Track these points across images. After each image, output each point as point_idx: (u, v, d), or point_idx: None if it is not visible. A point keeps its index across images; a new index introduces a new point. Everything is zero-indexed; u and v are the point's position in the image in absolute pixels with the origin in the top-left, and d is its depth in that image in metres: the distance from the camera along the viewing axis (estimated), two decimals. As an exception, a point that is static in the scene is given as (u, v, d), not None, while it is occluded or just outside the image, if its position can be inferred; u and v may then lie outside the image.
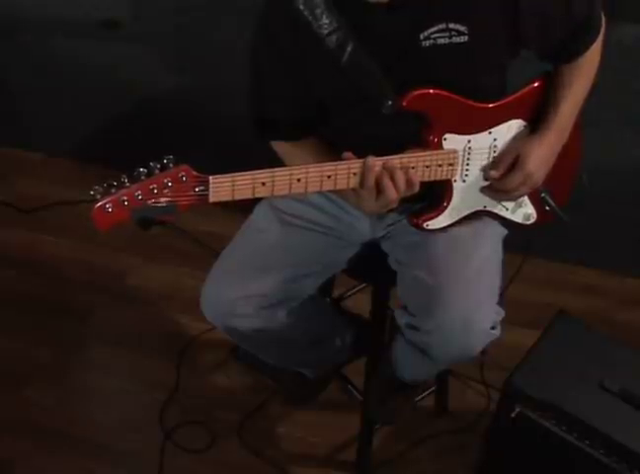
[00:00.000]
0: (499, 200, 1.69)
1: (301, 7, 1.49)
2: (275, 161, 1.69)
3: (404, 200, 1.55)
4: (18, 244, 2.76)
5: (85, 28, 2.74)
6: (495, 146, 1.63)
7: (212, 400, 2.29)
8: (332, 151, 1.62)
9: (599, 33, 1.62)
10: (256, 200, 1.75)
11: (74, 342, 2.46)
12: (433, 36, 1.50)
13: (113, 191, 1.32)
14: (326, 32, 1.49)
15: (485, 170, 1.64)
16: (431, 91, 1.53)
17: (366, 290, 2.01)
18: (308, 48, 1.54)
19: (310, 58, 1.56)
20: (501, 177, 1.62)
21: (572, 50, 1.62)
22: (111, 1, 2.71)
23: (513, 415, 1.77)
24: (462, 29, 1.50)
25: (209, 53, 2.64)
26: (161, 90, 2.82)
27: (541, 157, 1.62)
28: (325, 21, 1.49)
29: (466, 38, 1.51)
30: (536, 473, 1.90)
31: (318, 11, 1.49)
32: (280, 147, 1.71)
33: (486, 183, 1.66)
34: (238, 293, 1.70)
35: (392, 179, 1.50)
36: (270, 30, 1.57)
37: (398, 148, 1.55)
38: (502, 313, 1.65)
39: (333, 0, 1.49)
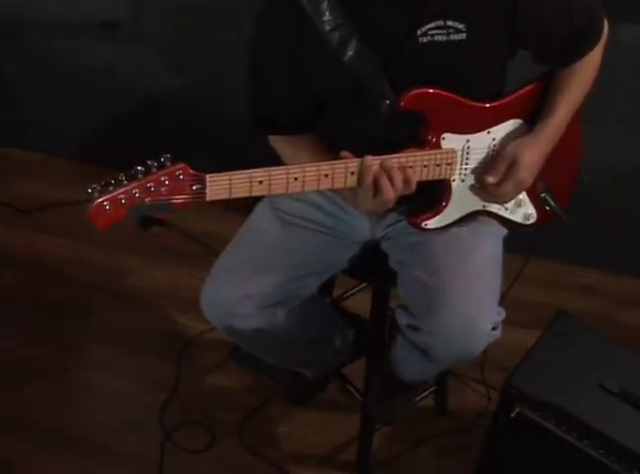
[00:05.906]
0: (490, 202, 1.68)
1: (305, 2, 1.48)
2: (274, 160, 1.69)
3: (402, 200, 1.55)
4: (18, 244, 2.76)
5: (86, 28, 2.74)
6: (494, 146, 1.63)
7: (212, 400, 2.29)
8: (330, 148, 1.62)
9: (598, 39, 1.61)
10: (256, 200, 1.76)
11: (74, 342, 2.46)
12: (430, 32, 1.50)
13: (110, 189, 1.31)
14: (329, 28, 1.49)
15: (480, 176, 1.62)
16: (429, 91, 1.52)
17: (366, 290, 2.01)
18: (308, 45, 1.53)
19: (310, 55, 1.55)
20: (496, 183, 1.61)
21: (570, 55, 1.61)
22: (111, 2, 2.71)
23: (513, 415, 1.77)
24: (460, 26, 1.49)
25: (210, 54, 2.64)
26: (161, 90, 2.82)
27: (533, 163, 1.61)
28: (329, 17, 1.48)
29: (464, 35, 1.50)
30: (536, 473, 1.90)
31: (323, 6, 1.48)
32: (278, 142, 1.71)
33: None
34: (238, 293, 1.70)
35: (390, 178, 1.49)
36: (269, 24, 1.57)
37: (396, 147, 1.54)
38: (503, 313, 1.65)
39: None
